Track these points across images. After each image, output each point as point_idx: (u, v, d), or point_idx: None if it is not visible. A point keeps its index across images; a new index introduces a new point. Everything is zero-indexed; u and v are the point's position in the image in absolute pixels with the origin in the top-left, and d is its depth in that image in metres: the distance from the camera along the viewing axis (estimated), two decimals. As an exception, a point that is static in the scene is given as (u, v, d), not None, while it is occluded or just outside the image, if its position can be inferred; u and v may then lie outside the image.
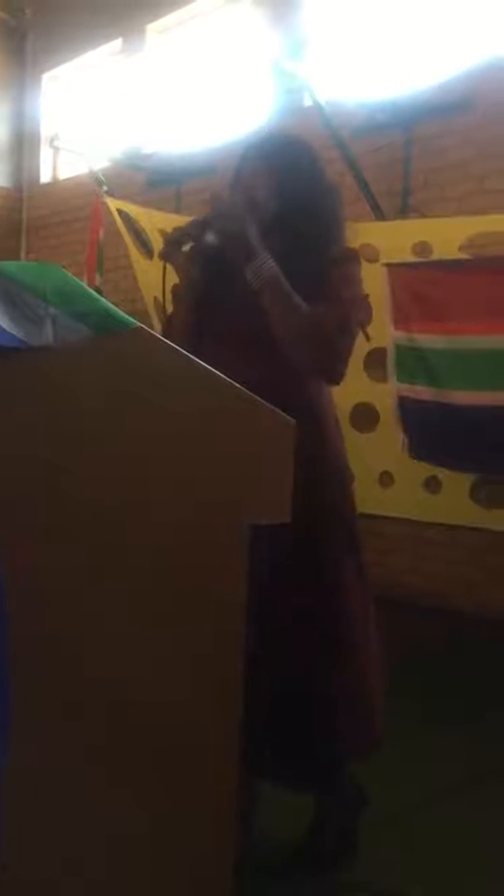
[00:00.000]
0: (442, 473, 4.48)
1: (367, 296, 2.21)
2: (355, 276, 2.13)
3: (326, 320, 2.00)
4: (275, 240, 2.09)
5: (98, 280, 5.40)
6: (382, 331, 4.40)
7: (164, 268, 2.22)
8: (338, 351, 2.04)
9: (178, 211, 5.99)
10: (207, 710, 1.44)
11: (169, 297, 4.17)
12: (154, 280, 4.79)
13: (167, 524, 1.38)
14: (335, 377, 2.10)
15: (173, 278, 2.23)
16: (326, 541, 2.08)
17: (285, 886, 2.10)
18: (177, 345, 1.71)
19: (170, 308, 3.78)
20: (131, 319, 1.32)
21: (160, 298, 4.65)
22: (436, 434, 4.29)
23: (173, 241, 2.17)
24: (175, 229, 2.21)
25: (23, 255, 8.17)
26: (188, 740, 1.42)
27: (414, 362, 4.28)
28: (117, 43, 7.47)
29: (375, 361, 4.55)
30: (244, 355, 1.95)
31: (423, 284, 4.19)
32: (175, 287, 2.29)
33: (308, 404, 2.12)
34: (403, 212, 5.08)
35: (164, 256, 2.20)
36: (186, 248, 2.16)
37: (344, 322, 2.03)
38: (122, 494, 1.34)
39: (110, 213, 5.29)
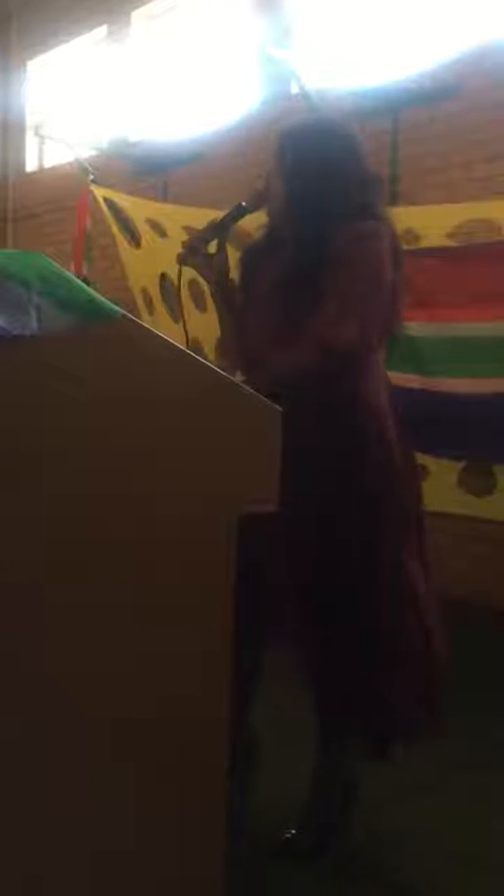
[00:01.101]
0: (431, 461, 4.48)
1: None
2: (358, 261, 2.03)
3: (301, 355, 1.98)
4: (287, 231, 2.11)
5: (85, 269, 5.37)
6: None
7: (179, 269, 2.24)
8: (340, 353, 2.01)
9: (164, 200, 5.97)
10: (198, 705, 1.43)
11: (157, 286, 4.20)
12: (141, 269, 4.77)
13: (153, 516, 1.37)
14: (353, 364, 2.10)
15: (161, 267, 2.28)
16: (358, 528, 2.11)
17: (275, 876, 2.10)
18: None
19: (156, 297, 3.87)
20: (117, 308, 1.31)
21: (148, 288, 4.65)
22: (424, 422, 4.29)
23: (193, 247, 2.19)
24: (194, 237, 2.24)
25: (9, 244, 8.13)
26: (178, 735, 1.41)
27: (402, 350, 4.27)
28: (102, 30, 7.42)
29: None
30: (283, 343, 2.02)
31: (411, 271, 4.15)
32: (163, 276, 2.34)
33: (350, 395, 2.11)
34: (391, 199, 5.06)
35: (182, 261, 2.21)
36: (212, 250, 2.19)
37: (336, 322, 1.98)
38: (107, 487, 1.33)
39: (97, 201, 5.26)
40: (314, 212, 2.06)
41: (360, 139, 2.18)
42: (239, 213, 2.16)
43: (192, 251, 2.18)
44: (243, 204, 2.16)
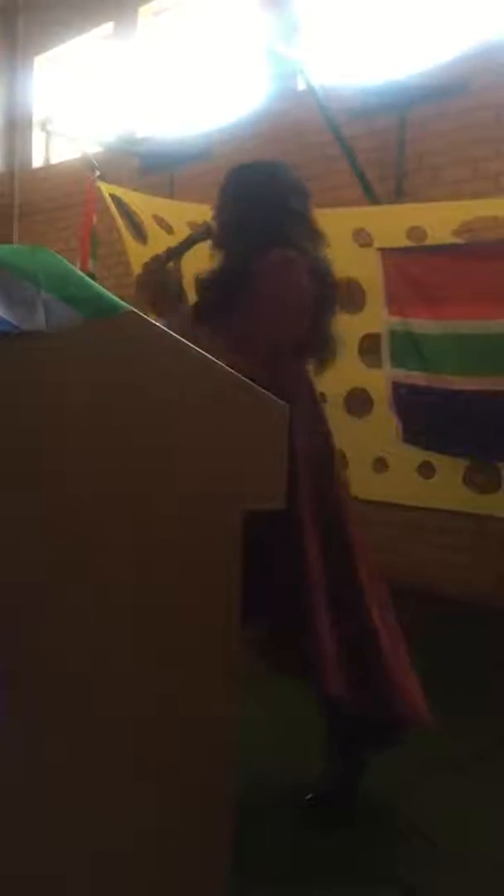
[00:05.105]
0: (436, 459, 4.48)
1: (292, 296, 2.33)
2: (271, 286, 2.26)
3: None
4: (219, 258, 2.43)
5: (92, 265, 5.38)
6: (377, 316, 4.40)
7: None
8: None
9: (171, 196, 5.96)
10: (207, 702, 1.43)
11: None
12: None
13: (158, 514, 1.37)
14: None
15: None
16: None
17: (270, 872, 2.10)
18: None
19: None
20: (124, 304, 1.31)
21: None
22: (429, 419, 4.30)
23: (151, 271, 2.43)
24: (151, 260, 2.47)
25: (15, 240, 8.13)
26: (182, 733, 1.41)
27: (408, 347, 4.28)
28: (109, 26, 7.41)
29: (370, 347, 4.55)
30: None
31: (418, 269, 4.18)
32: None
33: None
34: (398, 196, 5.06)
35: (141, 284, 2.46)
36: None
37: (242, 344, 2.13)
38: (114, 485, 1.33)
39: (103, 197, 5.27)
40: (235, 242, 2.38)
41: (289, 179, 2.45)
42: (191, 241, 2.46)
43: (150, 275, 2.43)
44: (193, 235, 2.48)
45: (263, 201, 2.39)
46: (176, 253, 2.46)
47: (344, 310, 4.65)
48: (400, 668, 2.35)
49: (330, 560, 2.30)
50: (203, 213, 4.16)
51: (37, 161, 8.27)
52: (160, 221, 5.00)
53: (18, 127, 8.28)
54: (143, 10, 7.15)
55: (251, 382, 1.46)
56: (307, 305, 2.32)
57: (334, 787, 2.42)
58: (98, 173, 5.31)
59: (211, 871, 1.47)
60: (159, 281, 2.41)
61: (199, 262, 2.50)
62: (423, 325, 4.19)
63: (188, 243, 2.47)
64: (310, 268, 2.34)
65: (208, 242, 2.47)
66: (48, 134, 8.06)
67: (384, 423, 4.50)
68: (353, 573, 2.35)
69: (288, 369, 2.32)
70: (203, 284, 2.45)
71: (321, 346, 2.46)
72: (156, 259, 2.46)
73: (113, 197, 5.22)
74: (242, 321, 2.23)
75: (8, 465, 1.23)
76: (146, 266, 2.46)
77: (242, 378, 1.45)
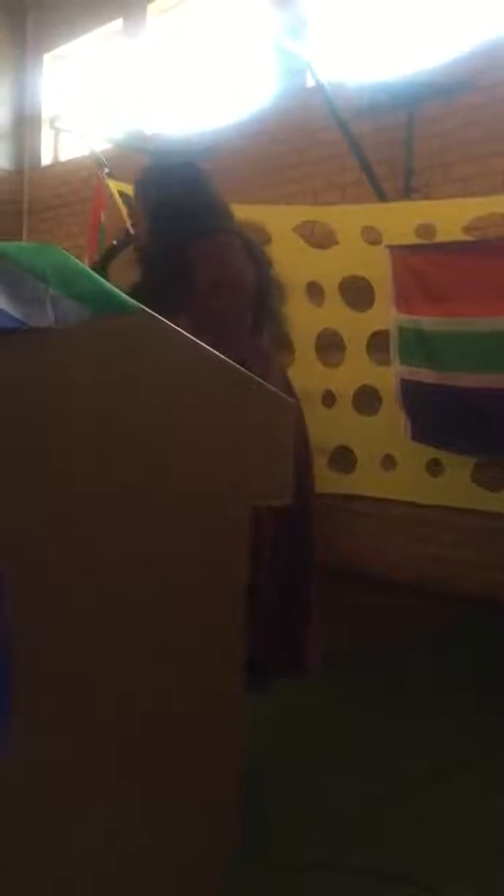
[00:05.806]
0: (444, 456, 4.48)
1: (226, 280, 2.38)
2: (210, 272, 2.32)
3: None
4: (144, 260, 2.50)
5: (100, 262, 5.38)
6: (385, 313, 4.39)
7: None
8: None
9: (180, 193, 5.96)
10: (213, 699, 1.43)
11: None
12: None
13: (168, 512, 1.37)
14: None
15: None
16: None
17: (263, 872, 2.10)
18: None
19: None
20: (133, 301, 1.31)
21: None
22: (438, 417, 4.29)
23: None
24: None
25: (24, 236, 8.13)
26: (196, 730, 1.41)
27: (416, 345, 4.27)
28: (118, 23, 7.41)
29: (379, 344, 4.54)
30: None
31: (427, 266, 4.17)
32: None
33: None
34: (406, 193, 5.05)
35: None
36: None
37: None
38: (122, 483, 1.32)
39: (112, 195, 5.26)
40: (163, 237, 2.42)
41: (200, 174, 2.52)
42: (114, 250, 2.50)
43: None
44: (115, 242, 2.52)
45: (181, 199, 2.43)
46: (100, 265, 2.50)
47: (353, 307, 4.67)
48: (317, 634, 2.55)
49: (289, 552, 2.42)
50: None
51: (46, 158, 8.28)
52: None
53: (27, 124, 8.29)
54: (152, 8, 7.14)
55: (261, 380, 1.46)
56: (248, 284, 2.38)
57: None
58: (107, 170, 5.30)
59: (210, 868, 1.48)
60: None
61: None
62: (432, 322, 4.18)
63: (113, 253, 2.51)
64: (245, 248, 2.41)
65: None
66: (57, 131, 8.05)
67: (393, 421, 4.49)
68: (311, 567, 2.50)
69: (249, 351, 2.30)
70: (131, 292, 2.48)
71: (273, 324, 2.50)
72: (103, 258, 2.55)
73: (122, 194, 5.22)
74: (186, 311, 2.23)
75: (14, 462, 1.23)
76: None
77: (251, 375, 1.45)
